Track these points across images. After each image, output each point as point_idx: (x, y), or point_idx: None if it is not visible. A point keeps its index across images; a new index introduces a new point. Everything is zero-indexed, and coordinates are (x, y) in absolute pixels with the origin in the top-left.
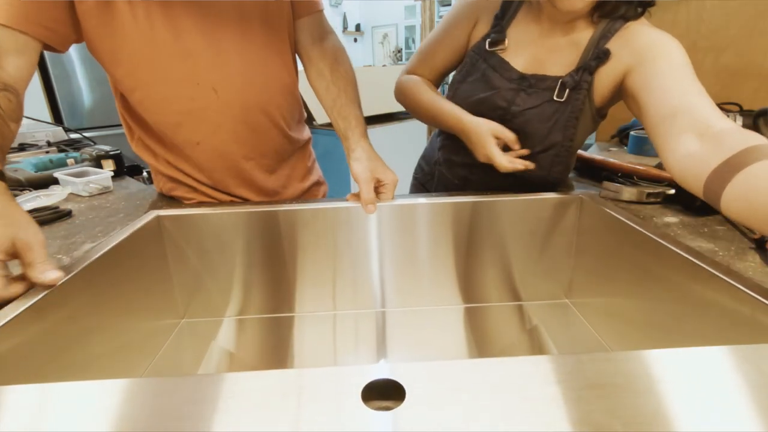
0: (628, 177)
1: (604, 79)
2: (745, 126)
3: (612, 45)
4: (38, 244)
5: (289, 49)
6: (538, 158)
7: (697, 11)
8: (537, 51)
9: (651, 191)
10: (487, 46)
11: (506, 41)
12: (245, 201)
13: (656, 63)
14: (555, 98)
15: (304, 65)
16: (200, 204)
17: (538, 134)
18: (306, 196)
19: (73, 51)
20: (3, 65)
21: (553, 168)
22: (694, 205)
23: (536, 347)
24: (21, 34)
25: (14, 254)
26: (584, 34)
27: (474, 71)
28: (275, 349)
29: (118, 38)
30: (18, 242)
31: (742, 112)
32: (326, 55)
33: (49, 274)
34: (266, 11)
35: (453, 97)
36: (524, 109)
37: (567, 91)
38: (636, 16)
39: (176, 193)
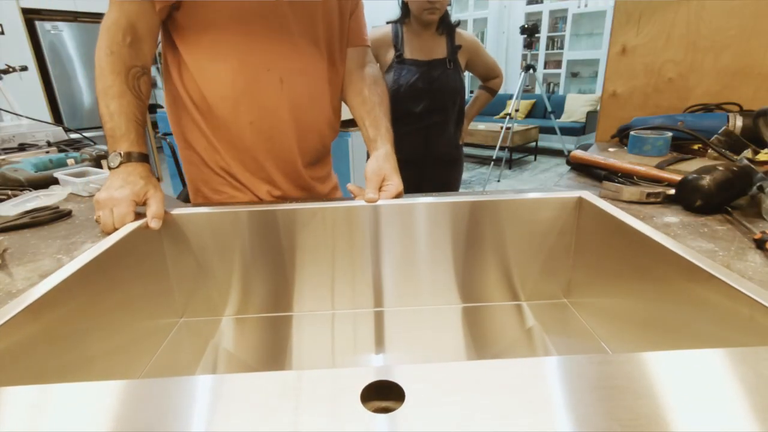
0: (628, 177)
1: (460, 57)
2: (745, 126)
3: (458, 41)
4: (157, 202)
5: (341, 75)
6: (457, 109)
7: (697, 11)
8: (425, 48)
9: (651, 191)
10: (397, 60)
11: (406, 51)
12: (270, 196)
13: (478, 51)
14: (448, 68)
15: (344, 85)
16: (199, 204)
17: (452, 88)
18: (328, 195)
19: (73, 51)
20: (143, 49)
21: (460, 112)
22: (694, 205)
23: (535, 347)
24: (154, 17)
25: (144, 202)
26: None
27: (401, 71)
28: (274, 349)
29: (210, 17)
30: (147, 195)
31: (742, 112)
32: (366, 78)
33: (151, 222)
34: (333, 37)
35: (399, 87)
36: (438, 75)
37: (451, 63)
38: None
39: (208, 187)
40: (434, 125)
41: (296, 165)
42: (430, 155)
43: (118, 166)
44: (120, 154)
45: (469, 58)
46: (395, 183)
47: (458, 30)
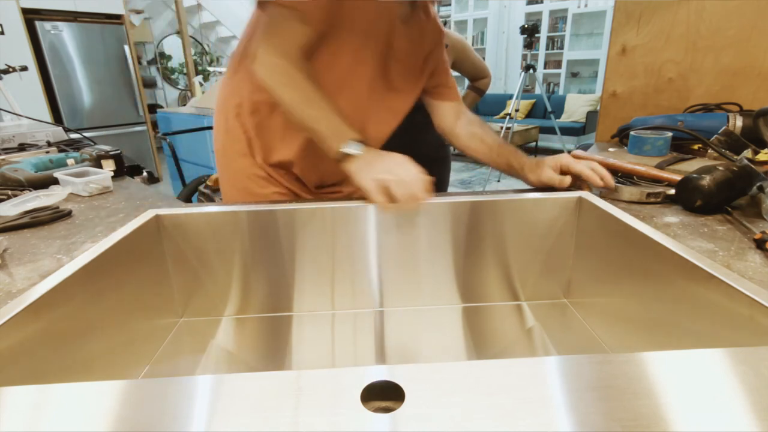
0: (628, 177)
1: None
2: (745, 126)
3: (444, 40)
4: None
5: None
6: None
7: (697, 11)
8: None
9: (651, 191)
10: None
11: None
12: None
13: (465, 51)
14: None
15: (451, 137)
16: (199, 203)
17: None
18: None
19: (73, 51)
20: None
21: None
22: (694, 205)
23: (535, 347)
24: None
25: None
26: None
27: None
28: (274, 349)
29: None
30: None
31: (742, 112)
32: (470, 122)
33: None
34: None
35: None
36: None
37: None
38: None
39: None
40: (418, 124)
41: (313, 186)
42: (415, 154)
43: (363, 151)
44: (357, 141)
45: (456, 57)
46: (573, 161)
47: (445, 30)
